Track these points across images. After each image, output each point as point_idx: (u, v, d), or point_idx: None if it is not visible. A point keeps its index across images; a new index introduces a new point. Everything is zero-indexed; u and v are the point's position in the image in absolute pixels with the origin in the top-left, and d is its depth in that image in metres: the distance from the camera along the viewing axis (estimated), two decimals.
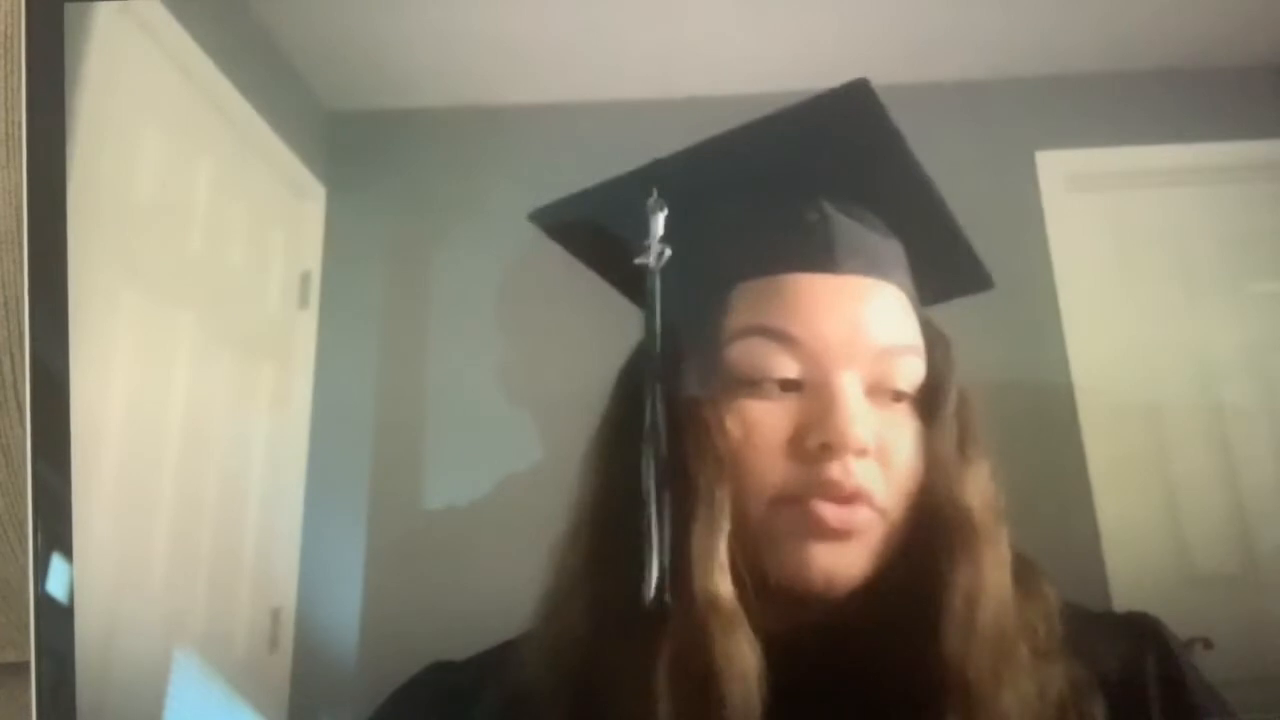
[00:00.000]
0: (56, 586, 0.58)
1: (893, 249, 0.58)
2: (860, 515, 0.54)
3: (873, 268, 0.57)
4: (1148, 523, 0.61)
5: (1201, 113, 0.64)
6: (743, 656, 0.51)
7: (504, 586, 0.57)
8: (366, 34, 0.66)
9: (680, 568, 0.52)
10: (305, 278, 0.64)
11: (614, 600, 0.53)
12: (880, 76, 0.57)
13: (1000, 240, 0.61)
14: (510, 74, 0.66)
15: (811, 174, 0.58)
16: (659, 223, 0.57)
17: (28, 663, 0.57)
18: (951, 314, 0.59)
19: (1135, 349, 0.63)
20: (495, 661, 0.56)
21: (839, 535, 0.53)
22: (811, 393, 0.54)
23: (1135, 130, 0.65)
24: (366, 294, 0.64)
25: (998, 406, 0.59)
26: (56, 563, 0.58)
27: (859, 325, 0.55)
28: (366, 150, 0.66)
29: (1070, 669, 0.54)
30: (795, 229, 0.57)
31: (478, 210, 0.64)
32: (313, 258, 0.65)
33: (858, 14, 0.65)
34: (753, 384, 0.55)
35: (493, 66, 0.66)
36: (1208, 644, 0.56)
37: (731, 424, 0.55)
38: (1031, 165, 0.64)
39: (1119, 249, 0.65)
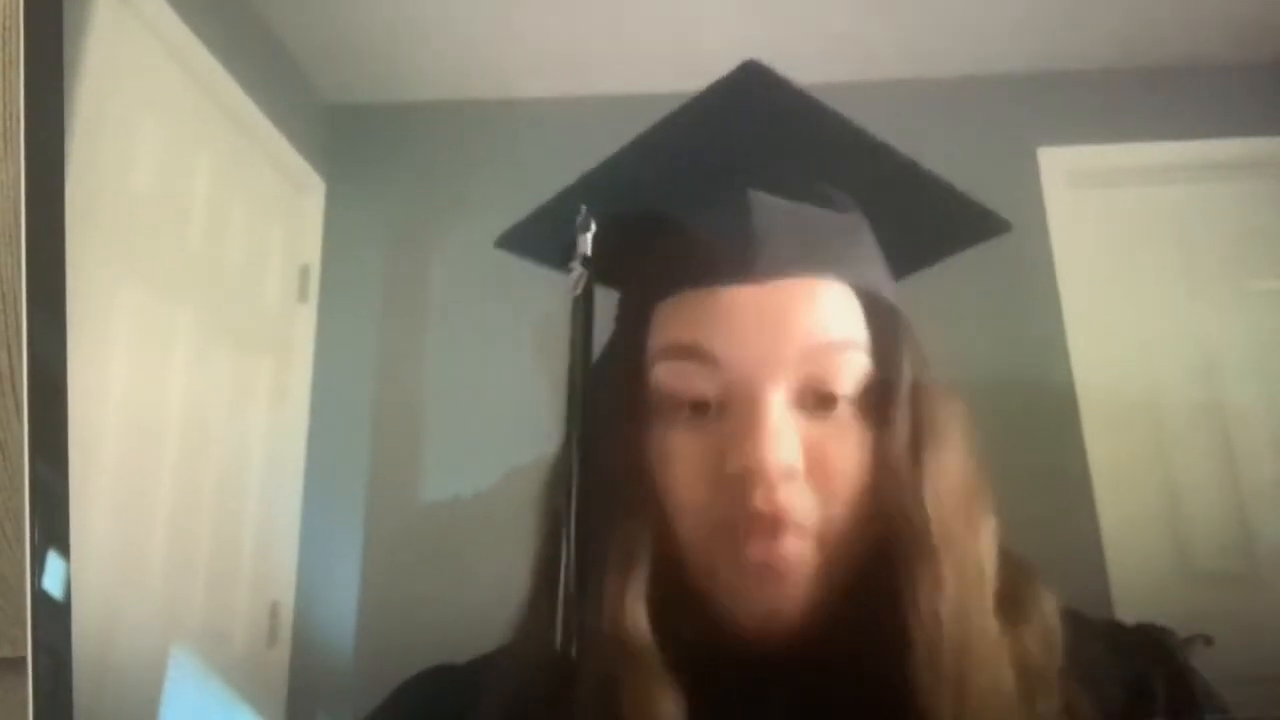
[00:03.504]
0: (53, 583, 0.57)
1: (842, 224, 0.54)
2: (788, 550, 0.49)
3: (801, 263, 0.52)
4: (1148, 521, 0.61)
5: (1203, 110, 0.64)
6: (652, 701, 0.48)
7: (501, 582, 0.57)
8: (366, 28, 0.66)
9: (594, 608, 0.49)
10: (304, 271, 0.64)
11: (544, 642, 0.50)
12: (883, 73, 0.57)
13: (1002, 236, 0.61)
14: (510, 68, 0.66)
15: (732, 166, 0.55)
16: (586, 242, 0.53)
17: (24, 658, 0.57)
18: (953, 311, 0.59)
19: (1136, 346, 0.63)
20: (493, 664, 0.55)
21: (768, 573, 0.49)
22: (732, 414, 0.50)
23: (1137, 127, 0.65)
24: (366, 287, 0.64)
25: (999, 405, 0.59)
26: (53, 559, 0.57)
27: (779, 335, 0.51)
28: (366, 144, 0.66)
29: (1073, 698, 0.50)
30: (710, 236, 0.53)
31: (477, 203, 0.64)
32: (312, 251, 0.64)
33: (861, 11, 0.65)
34: (675, 408, 0.51)
35: (492, 61, 0.66)
36: (1208, 641, 0.55)
37: (653, 454, 0.51)
38: (1033, 161, 0.64)
39: (1121, 245, 0.65)
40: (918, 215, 0.56)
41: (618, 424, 0.52)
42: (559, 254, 0.56)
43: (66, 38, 0.61)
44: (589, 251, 0.54)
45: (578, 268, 0.53)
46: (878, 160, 0.55)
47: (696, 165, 0.55)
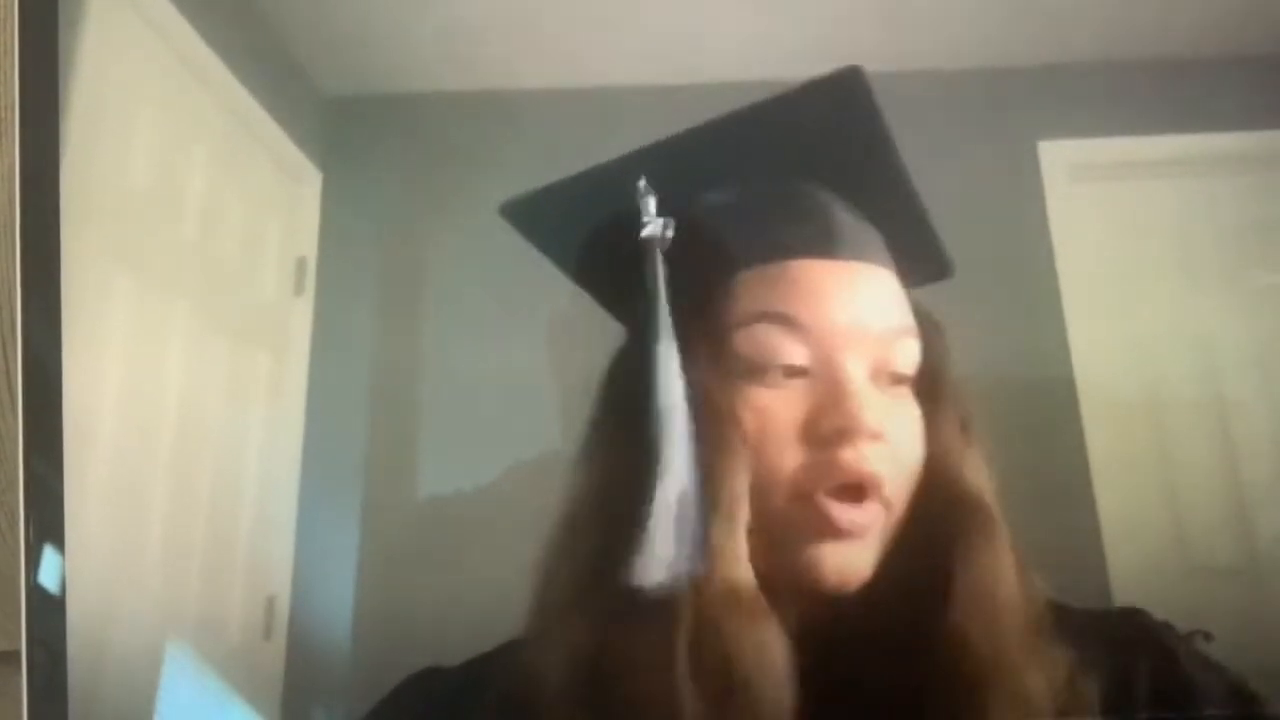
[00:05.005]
0: (48, 577, 0.57)
1: (875, 235, 0.58)
2: (870, 512, 0.53)
3: (868, 252, 0.57)
4: (1148, 515, 0.61)
5: (1205, 103, 0.64)
6: (771, 647, 0.51)
7: (497, 578, 0.57)
8: (363, 19, 0.66)
9: (700, 557, 0.52)
10: (300, 264, 0.64)
11: (624, 593, 0.52)
12: (885, 64, 0.57)
13: (1002, 230, 0.61)
14: (508, 60, 0.66)
15: (803, 161, 0.57)
16: (651, 204, 0.56)
17: (19, 651, 0.57)
18: (952, 306, 0.58)
19: (1137, 341, 0.63)
20: (490, 666, 0.55)
21: (850, 535, 0.53)
22: (819, 379, 0.54)
23: (1138, 120, 0.65)
24: (362, 280, 0.64)
25: (999, 398, 0.59)
26: (48, 553, 0.57)
27: (862, 310, 0.55)
28: (363, 135, 0.66)
29: (1069, 662, 0.53)
30: (796, 215, 0.57)
31: (475, 195, 0.63)
32: (308, 244, 0.64)
33: (862, 4, 0.65)
34: (760, 371, 0.54)
35: (490, 52, 0.66)
36: (1208, 636, 0.56)
37: (744, 412, 0.54)
38: (1034, 155, 0.64)
39: (1121, 240, 0.65)
40: (908, 253, 0.58)
41: (707, 382, 0.54)
42: (564, 238, 0.58)
43: (61, 28, 0.60)
44: (655, 213, 0.56)
45: (654, 220, 0.55)
46: (904, 203, 0.58)
47: (762, 155, 0.58)
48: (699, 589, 0.51)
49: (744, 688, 0.50)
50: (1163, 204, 0.65)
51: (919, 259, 0.59)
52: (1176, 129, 0.65)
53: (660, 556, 0.52)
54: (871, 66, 0.56)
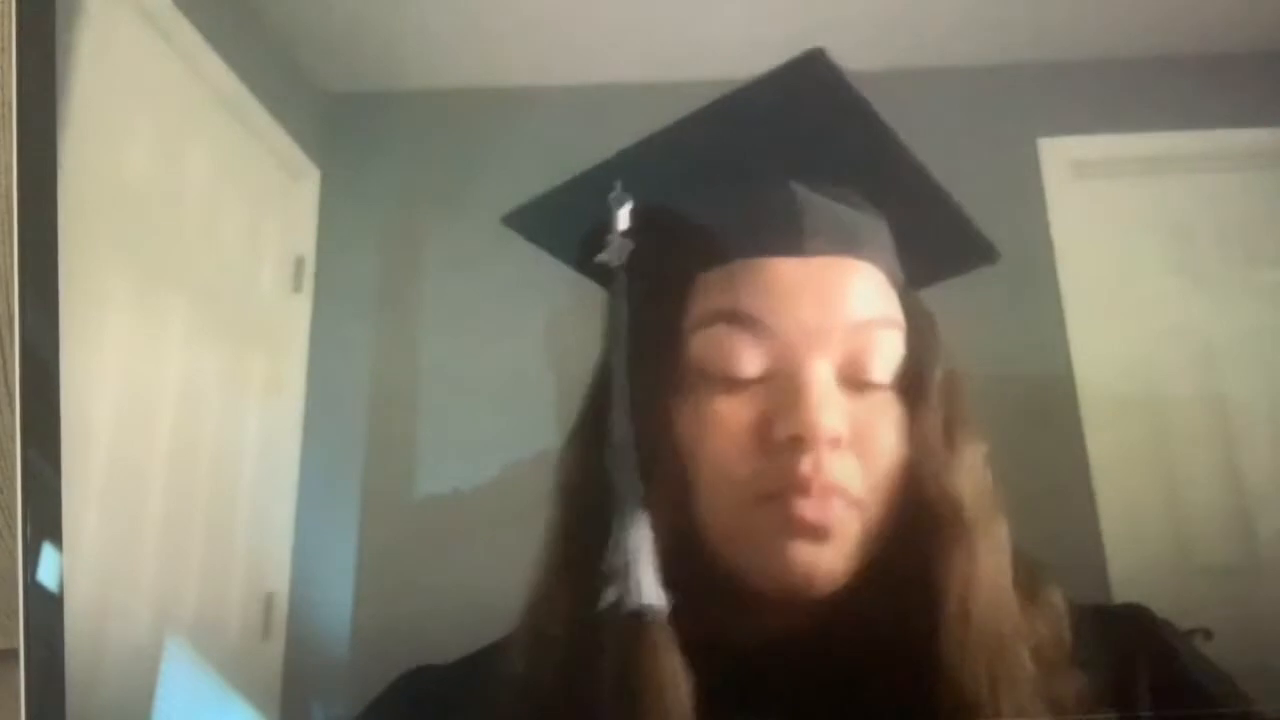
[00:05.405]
0: (46, 575, 0.57)
1: (870, 225, 0.56)
2: (836, 510, 0.51)
3: (843, 246, 0.54)
4: (1148, 513, 0.61)
5: (1206, 100, 0.64)
6: (668, 672, 0.50)
7: (496, 576, 0.57)
8: (362, 14, 0.66)
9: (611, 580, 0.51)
10: (299, 262, 0.64)
11: (577, 605, 0.52)
12: (883, 62, 0.57)
13: (1002, 227, 0.61)
14: (506, 57, 0.65)
15: (776, 153, 0.56)
16: (623, 216, 0.55)
17: (17, 649, 0.57)
18: (952, 303, 0.58)
19: (1137, 338, 0.63)
20: (479, 665, 0.55)
21: (816, 532, 0.51)
22: (779, 381, 0.52)
23: (1139, 117, 0.65)
24: (361, 277, 0.64)
25: (998, 397, 0.58)
26: (47, 551, 0.57)
27: (828, 307, 0.53)
28: (361, 132, 0.66)
29: (1078, 679, 0.52)
30: (758, 212, 0.55)
31: (473, 192, 0.63)
32: (306, 242, 0.64)
33: (862, 0, 0.65)
34: (717, 375, 0.53)
35: (490, 48, 0.66)
36: (1207, 634, 0.56)
37: (690, 422, 0.52)
38: (1034, 152, 0.64)
39: (1121, 236, 0.65)
40: (930, 237, 0.57)
41: (653, 393, 0.53)
42: (568, 240, 0.57)
43: (59, 23, 0.60)
44: (627, 225, 0.54)
45: (617, 239, 0.54)
46: (909, 177, 0.56)
47: (738, 150, 0.56)
48: (614, 617, 0.50)
49: (648, 710, 0.49)
50: (1163, 201, 0.65)
51: (950, 241, 0.57)
52: (1177, 125, 0.65)
53: (615, 573, 0.51)
54: (871, 64, 0.56)
